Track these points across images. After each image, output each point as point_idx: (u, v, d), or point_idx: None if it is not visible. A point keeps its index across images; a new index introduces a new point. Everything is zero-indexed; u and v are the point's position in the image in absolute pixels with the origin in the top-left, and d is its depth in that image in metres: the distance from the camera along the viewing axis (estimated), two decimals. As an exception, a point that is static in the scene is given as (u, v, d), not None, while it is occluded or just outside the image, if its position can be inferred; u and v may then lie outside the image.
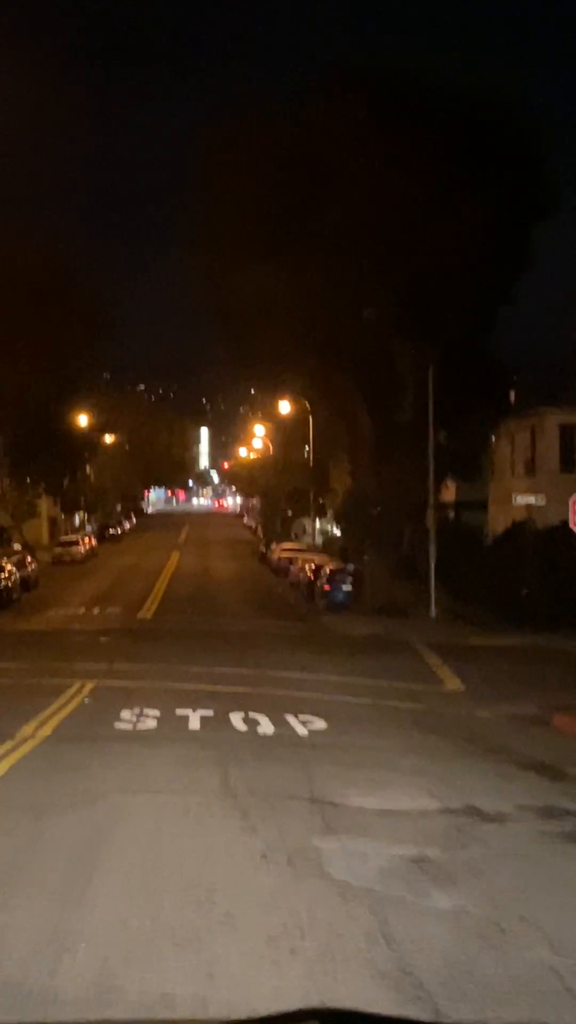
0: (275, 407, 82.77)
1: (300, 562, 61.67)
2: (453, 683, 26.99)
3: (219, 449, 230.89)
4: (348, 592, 49.67)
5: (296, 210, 43.75)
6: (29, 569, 57.53)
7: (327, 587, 50.10)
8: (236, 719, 20.48)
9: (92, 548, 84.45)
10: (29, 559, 59.64)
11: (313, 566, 56.32)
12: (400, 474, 46.73)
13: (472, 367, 46.17)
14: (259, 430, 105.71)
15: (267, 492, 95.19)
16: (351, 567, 50.83)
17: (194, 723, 20.17)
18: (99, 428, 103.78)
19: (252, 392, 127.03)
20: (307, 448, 74.53)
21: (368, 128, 42.04)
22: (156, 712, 20.78)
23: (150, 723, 19.84)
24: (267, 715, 20.85)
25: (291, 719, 20.54)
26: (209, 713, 21.04)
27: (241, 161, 43.99)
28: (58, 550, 78.19)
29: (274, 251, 44.31)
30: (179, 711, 21.11)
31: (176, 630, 38.99)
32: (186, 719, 20.46)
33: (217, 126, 47.67)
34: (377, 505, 46.02)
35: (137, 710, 20.92)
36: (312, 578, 55.24)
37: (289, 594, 57.92)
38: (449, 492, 57.06)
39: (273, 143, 43.57)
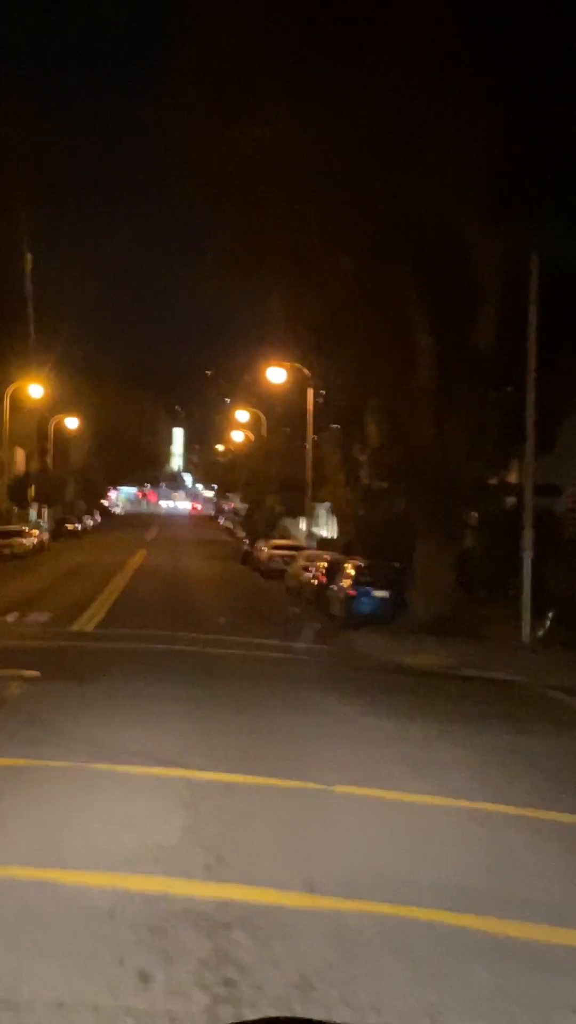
0: (264, 378, 66.58)
1: (302, 560, 45.36)
2: None
3: (193, 453, 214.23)
4: (383, 600, 33.42)
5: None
6: None
7: (351, 592, 33.80)
8: None
9: (42, 543, 68.00)
10: None
11: (325, 565, 40.02)
12: (469, 429, 30.62)
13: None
14: (242, 416, 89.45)
15: (252, 482, 78.72)
16: (392, 565, 34.46)
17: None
18: (55, 404, 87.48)
19: (227, 401, 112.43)
20: (308, 439, 58.38)
21: None
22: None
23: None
24: None
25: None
26: None
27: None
28: (-4, 542, 61.66)
29: (293, 87, 28.36)
30: None
31: (124, 655, 22.78)
32: None
33: None
34: (439, 469, 29.70)
35: None
36: (323, 580, 38.98)
37: (289, 602, 41.60)
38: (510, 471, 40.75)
39: None
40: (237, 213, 31.70)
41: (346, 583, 34.36)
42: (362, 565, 35.06)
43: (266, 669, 21.79)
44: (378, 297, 31.10)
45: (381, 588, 33.81)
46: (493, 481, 35.75)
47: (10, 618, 30.45)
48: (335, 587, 35.71)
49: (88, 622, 29.63)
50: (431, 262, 29.50)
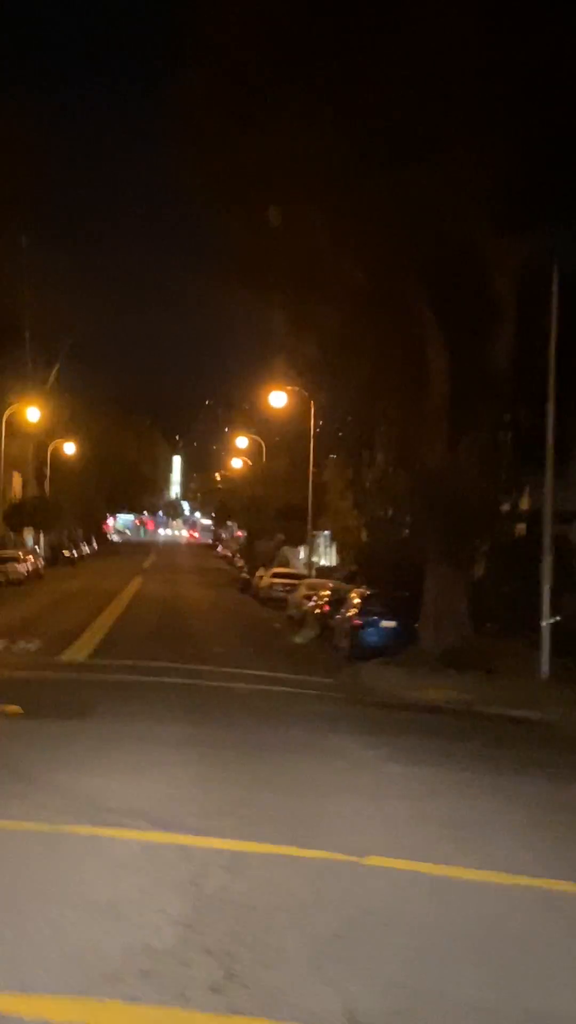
0: (264, 405, 64.83)
1: (304, 589, 43.48)
2: None
3: (192, 481, 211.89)
4: (391, 631, 31.53)
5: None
6: None
7: (357, 622, 31.89)
8: None
9: (37, 569, 66.07)
10: None
11: (328, 594, 38.14)
12: (483, 451, 28.83)
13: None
14: (241, 443, 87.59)
15: (251, 507, 76.67)
16: (400, 594, 32.54)
17: None
18: (53, 428, 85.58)
19: (226, 431, 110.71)
20: (310, 457, 56.57)
21: None
22: None
23: None
24: None
25: None
26: None
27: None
28: (-11, 567, 59.64)
29: (302, 95, 26.76)
30: None
31: (117, 688, 20.80)
32: None
33: None
34: (453, 493, 27.82)
35: None
36: (327, 610, 37.10)
37: (290, 632, 39.70)
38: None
39: None
40: (242, 226, 29.93)
41: (352, 613, 32.47)
42: (369, 594, 33.18)
43: (270, 705, 19.85)
44: (389, 312, 29.35)
45: (389, 618, 31.94)
46: (505, 507, 33.88)
47: (-2, 646, 28.54)
48: (339, 617, 33.83)
49: (80, 651, 27.70)
50: (444, 275, 27.80)
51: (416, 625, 30.95)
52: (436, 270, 27.74)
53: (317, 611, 38.39)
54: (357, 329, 29.98)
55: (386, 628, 31.77)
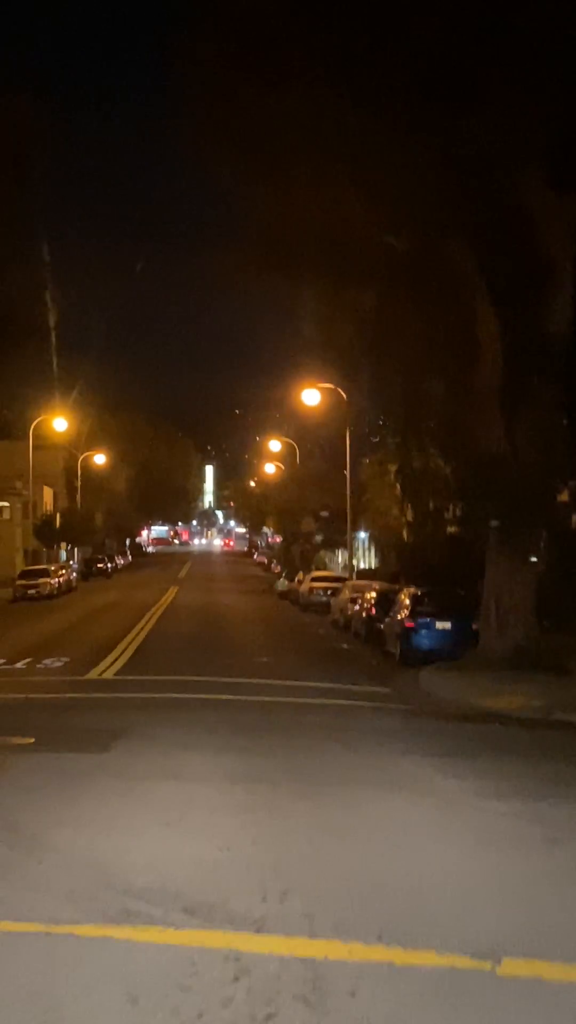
0: (297, 404, 62.02)
1: (348, 592, 40.60)
2: None
3: (225, 489, 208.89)
4: (447, 632, 28.61)
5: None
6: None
7: (409, 624, 28.96)
8: None
9: (70, 582, 63.55)
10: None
11: (374, 596, 35.21)
12: (542, 432, 25.87)
13: None
14: (274, 446, 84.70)
15: (286, 511, 73.71)
16: (455, 592, 29.64)
17: None
18: (83, 441, 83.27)
19: (257, 439, 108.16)
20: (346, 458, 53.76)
21: None
22: None
23: None
24: None
25: None
26: None
27: None
28: (20, 583, 57.12)
29: (328, 40, 23.99)
30: None
31: (147, 709, 17.90)
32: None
33: None
34: (511, 479, 24.88)
35: None
36: (372, 612, 34.21)
37: (336, 637, 36.84)
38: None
39: None
40: (268, 196, 27.10)
41: (403, 615, 29.54)
42: (420, 593, 30.15)
43: (324, 721, 16.98)
44: (432, 283, 26.41)
45: (444, 618, 28.98)
46: (564, 496, 30.89)
47: (21, 664, 25.81)
48: (390, 619, 30.94)
49: (108, 668, 24.87)
50: (494, 239, 24.88)
51: (474, 625, 28.06)
52: (484, 234, 24.85)
53: (363, 614, 35.52)
54: (397, 305, 27.06)
55: (441, 629, 28.85)
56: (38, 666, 25.40)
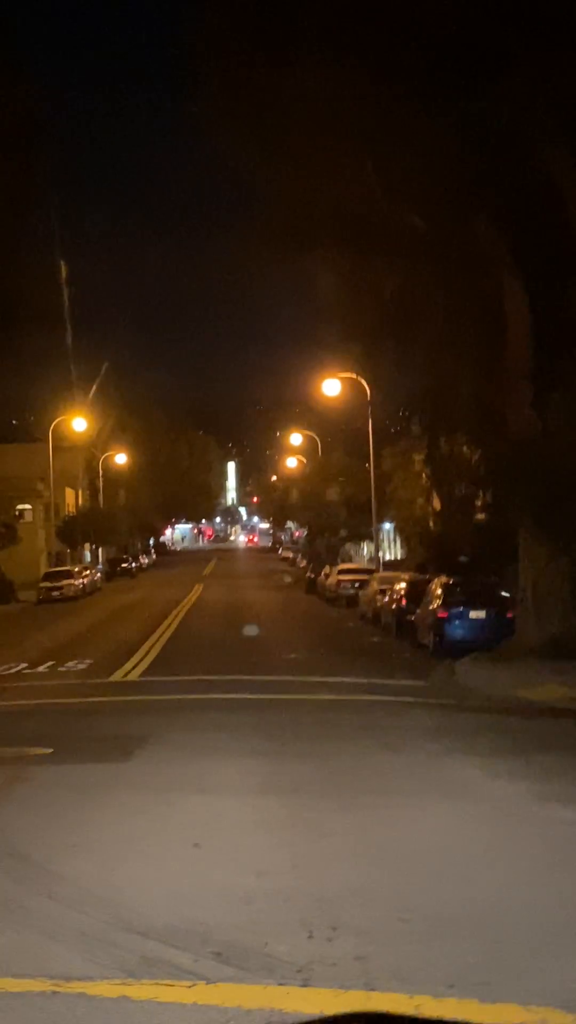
0: (318, 397, 60.84)
1: (376, 584, 39.45)
2: None
3: (248, 485, 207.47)
4: (481, 622, 27.48)
5: None
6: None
7: (442, 615, 27.82)
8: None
9: (94, 583, 62.60)
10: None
11: (404, 587, 34.04)
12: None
13: None
14: (295, 440, 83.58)
15: (310, 505, 72.53)
16: (488, 580, 28.55)
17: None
18: (103, 441, 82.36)
19: (277, 435, 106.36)
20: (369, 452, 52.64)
21: None
22: None
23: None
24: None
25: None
26: None
27: None
28: (44, 585, 56.17)
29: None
30: None
31: (173, 712, 16.80)
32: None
33: None
34: (544, 461, 23.69)
35: None
36: (403, 604, 33.06)
37: (365, 631, 35.70)
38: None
39: None
40: (285, 176, 25.98)
41: (435, 605, 28.38)
42: (452, 582, 28.99)
43: (361, 720, 15.88)
44: (456, 261, 25.29)
45: (478, 608, 27.84)
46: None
47: (43, 668, 24.81)
48: (421, 611, 29.80)
49: (133, 669, 23.82)
50: (520, 215, 23.73)
51: (510, 614, 26.96)
52: (511, 210, 23.70)
53: (393, 606, 34.40)
54: (421, 286, 25.93)
55: (475, 619, 27.71)
56: (60, 669, 24.40)
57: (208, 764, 11.79)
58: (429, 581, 31.39)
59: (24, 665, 25.24)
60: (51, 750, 12.76)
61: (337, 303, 30.25)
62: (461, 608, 27.92)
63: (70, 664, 25.16)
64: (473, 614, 27.86)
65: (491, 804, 9.79)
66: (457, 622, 27.81)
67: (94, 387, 78.40)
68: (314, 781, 10.86)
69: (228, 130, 25.53)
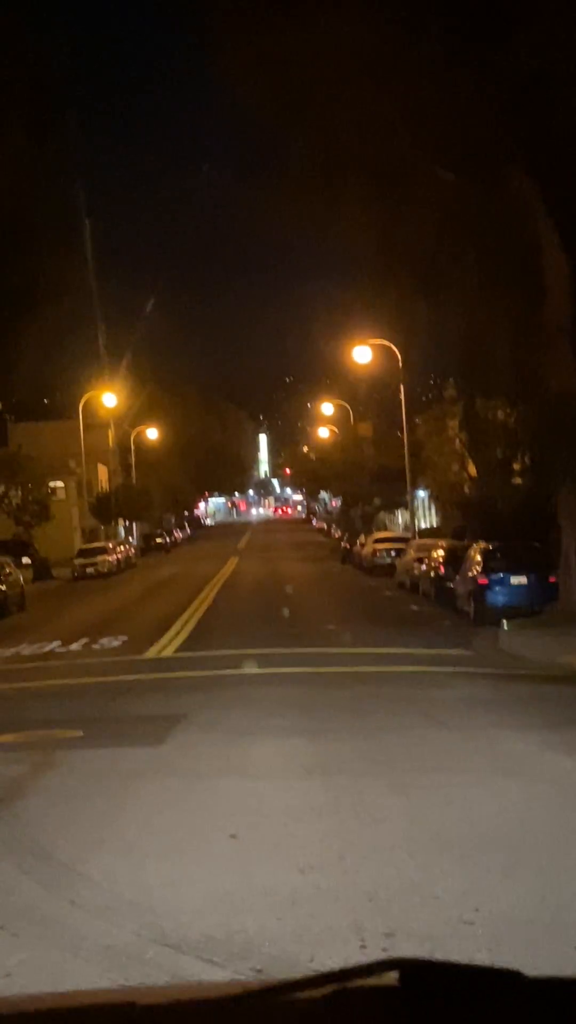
0: (350, 363, 59.90)
1: (413, 552, 38.64)
2: None
3: (280, 458, 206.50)
4: (523, 588, 26.70)
5: None
6: (3, 586, 35.24)
7: (482, 581, 27.05)
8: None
9: (128, 558, 62.04)
10: (10, 571, 37.29)
11: (441, 554, 33.23)
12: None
13: None
14: (327, 409, 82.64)
15: (344, 473, 71.56)
16: (529, 545, 27.71)
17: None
18: (135, 416, 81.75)
19: (308, 406, 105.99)
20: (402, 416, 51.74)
21: None
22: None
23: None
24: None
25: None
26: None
27: None
28: (78, 561, 55.63)
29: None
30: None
31: (209, 688, 16.02)
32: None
33: None
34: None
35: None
36: (441, 571, 32.28)
37: (404, 600, 34.92)
38: None
39: None
40: (312, 130, 25.03)
41: (475, 571, 27.59)
42: (492, 548, 28.16)
43: (404, 693, 15.10)
44: (491, 216, 24.33)
45: (519, 573, 27.05)
46: None
47: (76, 645, 24.17)
48: (460, 577, 29.00)
49: (168, 645, 23.10)
50: (557, 166, 22.72)
51: (552, 579, 26.15)
52: (546, 161, 22.69)
53: (431, 574, 33.61)
54: (455, 243, 24.97)
55: (517, 585, 26.93)
56: (94, 647, 23.75)
57: (245, 745, 11.06)
58: (468, 547, 30.61)
59: (57, 643, 24.61)
60: (81, 733, 12.07)
61: (368, 264, 29.30)
62: (502, 574, 27.13)
63: (104, 641, 24.51)
64: (514, 580, 27.06)
65: (552, 782, 9.01)
66: (498, 588, 27.03)
67: (123, 364, 77.74)
68: (361, 760, 10.11)
69: (254, 83, 24.54)
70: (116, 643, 24.18)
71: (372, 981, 2.00)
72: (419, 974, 2.01)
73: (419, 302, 27.50)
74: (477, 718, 12.51)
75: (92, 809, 8.54)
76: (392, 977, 1.99)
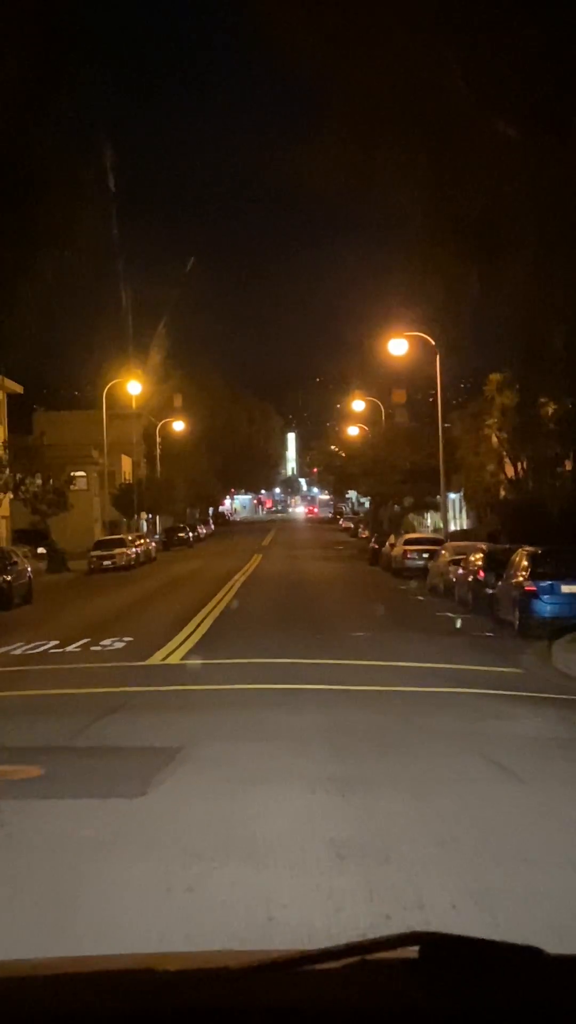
0: (383, 358, 56.99)
1: (448, 555, 35.61)
2: None
3: (308, 457, 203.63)
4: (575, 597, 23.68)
5: None
6: (8, 577, 32.49)
7: (529, 588, 24.01)
8: None
9: (148, 552, 59.34)
10: (16, 560, 34.58)
11: (481, 557, 30.22)
12: None
13: None
14: (357, 406, 79.59)
15: (373, 471, 68.33)
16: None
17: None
18: (161, 409, 79.12)
19: (338, 407, 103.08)
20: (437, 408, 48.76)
21: None
22: None
23: None
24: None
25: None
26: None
27: None
28: (95, 554, 52.92)
29: None
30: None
31: (214, 708, 13.06)
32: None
33: None
34: None
35: None
36: (480, 576, 29.26)
37: (437, 606, 31.86)
38: None
39: None
40: (363, 79, 22.08)
41: (520, 578, 24.56)
42: (540, 553, 25.15)
43: (455, 726, 12.10)
44: (553, 177, 21.33)
45: (571, 581, 24.02)
46: None
47: (74, 647, 21.27)
48: (503, 584, 25.99)
49: (175, 651, 20.09)
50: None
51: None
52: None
53: (469, 579, 30.59)
54: (512, 205, 21.99)
55: (568, 594, 23.91)
56: (93, 648, 20.84)
57: (256, 800, 8.11)
58: (510, 551, 27.62)
59: (54, 643, 21.73)
60: (40, 771, 9.13)
61: (416, 230, 26.24)
62: (551, 581, 24.12)
63: (106, 642, 21.60)
64: (565, 588, 24.01)
65: None
66: (547, 597, 24.00)
67: (150, 355, 75.17)
68: (411, 837, 7.13)
69: (305, 31, 21.71)
70: (119, 645, 21.25)
71: (392, 954, 2.02)
72: (438, 948, 2.04)
73: (470, 274, 24.45)
74: (556, 769, 9.53)
75: (23, 914, 5.60)
76: (412, 951, 2.00)
